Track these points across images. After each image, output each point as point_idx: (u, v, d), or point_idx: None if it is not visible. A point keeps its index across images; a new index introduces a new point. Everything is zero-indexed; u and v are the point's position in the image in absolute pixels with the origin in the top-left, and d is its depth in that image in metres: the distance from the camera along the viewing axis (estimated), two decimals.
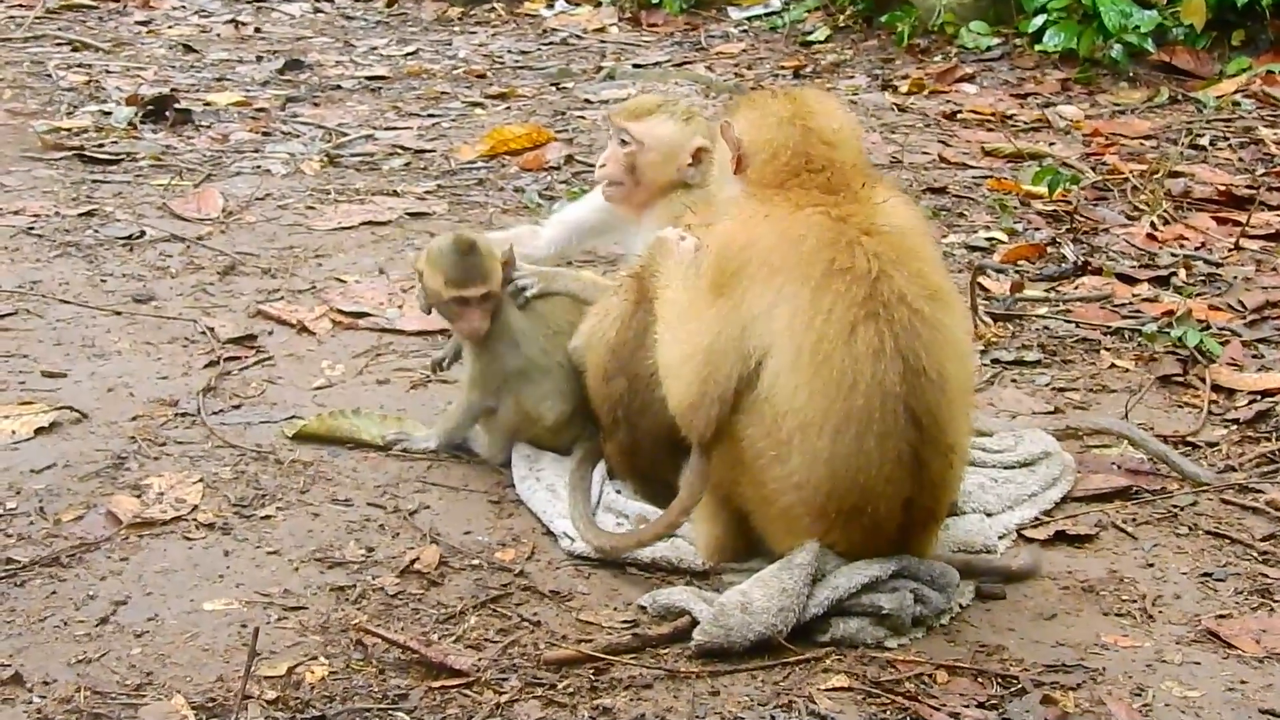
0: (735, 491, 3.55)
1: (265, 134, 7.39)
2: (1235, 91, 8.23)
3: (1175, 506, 4.01)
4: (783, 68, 9.14)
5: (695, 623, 3.36)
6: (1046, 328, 5.16)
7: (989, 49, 9.26)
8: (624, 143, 4.31)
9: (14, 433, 4.21)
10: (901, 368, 3.28)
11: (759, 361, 3.36)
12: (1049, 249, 5.92)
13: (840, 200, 3.42)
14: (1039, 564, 3.66)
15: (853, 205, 3.41)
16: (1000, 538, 3.81)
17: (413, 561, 3.67)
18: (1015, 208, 6.41)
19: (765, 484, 3.44)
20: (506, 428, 4.16)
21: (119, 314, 5.10)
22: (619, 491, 4.00)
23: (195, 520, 3.83)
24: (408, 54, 9.42)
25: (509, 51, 9.57)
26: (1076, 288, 5.54)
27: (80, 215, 6.02)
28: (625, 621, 3.46)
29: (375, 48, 9.56)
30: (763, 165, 3.52)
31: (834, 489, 3.34)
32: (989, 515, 3.87)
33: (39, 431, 4.23)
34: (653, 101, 4.41)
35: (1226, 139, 7.49)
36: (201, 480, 4.01)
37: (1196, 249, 5.96)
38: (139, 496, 3.92)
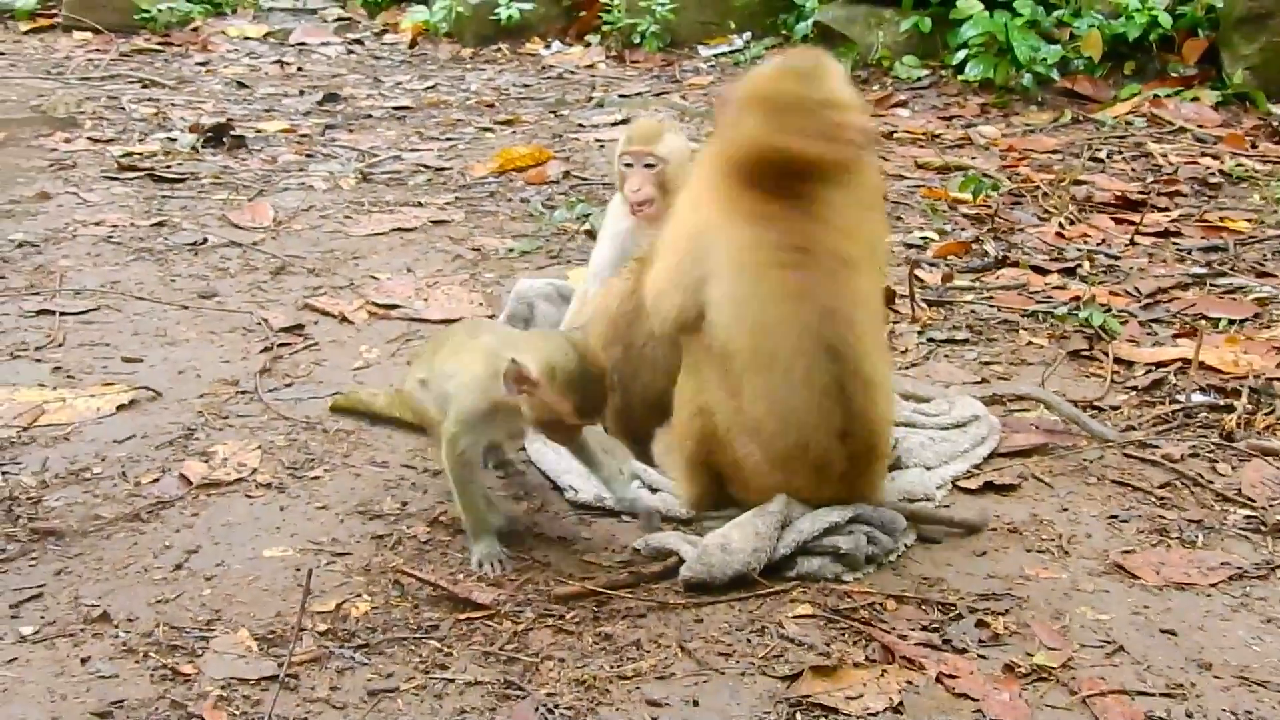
0: (710, 459, 3.55)
1: (308, 156, 7.35)
2: (1128, 113, 8.22)
3: (1085, 460, 4.00)
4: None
5: (682, 561, 3.35)
6: (973, 311, 5.15)
7: (919, 79, 9.24)
8: (649, 165, 4.17)
9: (99, 409, 4.18)
10: (820, 309, 3.25)
11: (705, 275, 3.33)
12: (974, 246, 5.90)
13: (801, 167, 3.32)
14: (987, 519, 3.63)
15: (814, 177, 3.33)
16: (938, 488, 3.80)
17: (441, 513, 3.65)
18: (944, 211, 6.38)
19: (731, 442, 3.44)
20: None
21: (186, 308, 5.06)
22: None
23: (255, 481, 3.80)
24: (428, 88, 9.37)
25: (513, 85, 9.53)
26: (998, 278, 5.52)
27: (152, 225, 5.97)
28: (622, 561, 3.45)
29: (400, 83, 9.51)
30: (741, 155, 3.41)
31: (778, 427, 3.34)
32: (928, 469, 3.85)
33: (120, 408, 4.20)
34: (654, 124, 4.32)
35: (1121, 153, 7.47)
36: (260, 447, 3.99)
37: (1098, 245, 5.94)
38: (206, 462, 3.89)
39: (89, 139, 7.47)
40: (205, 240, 5.80)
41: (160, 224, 6.00)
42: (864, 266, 3.39)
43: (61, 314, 4.93)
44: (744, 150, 3.34)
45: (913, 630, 3.16)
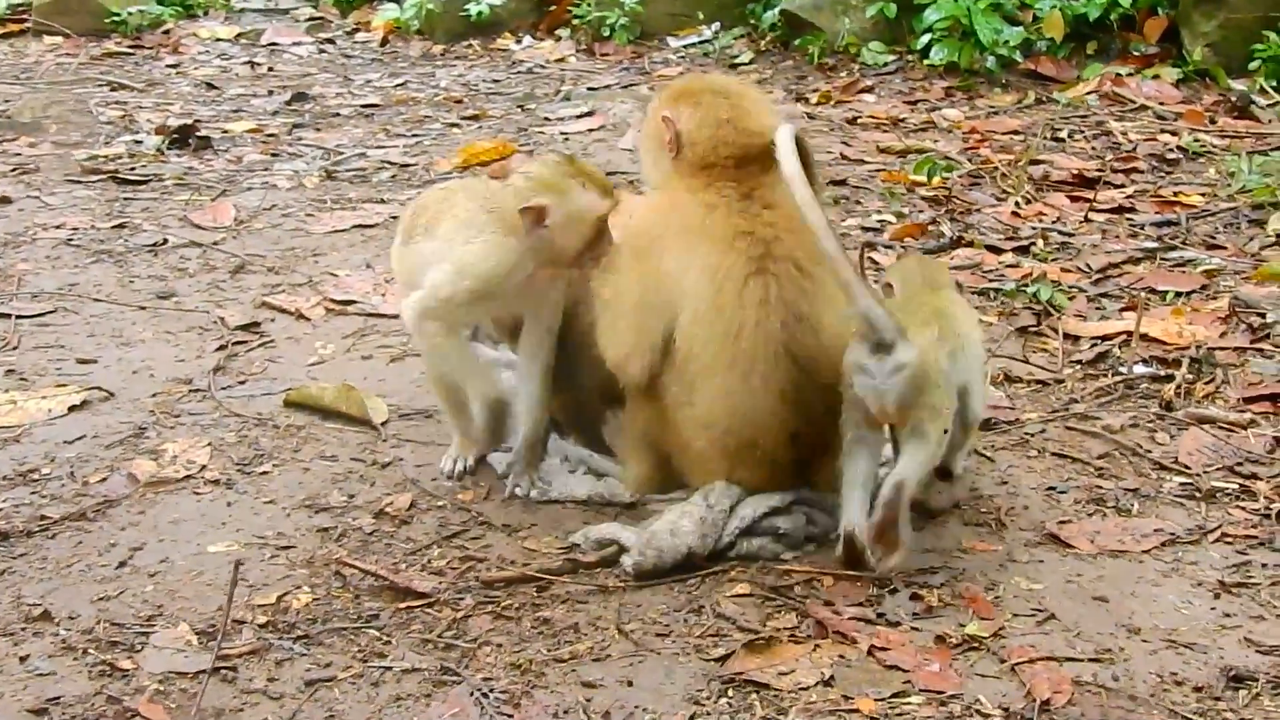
0: (658, 438, 3.56)
1: (274, 155, 7.34)
2: (1090, 92, 8.22)
3: (1027, 434, 4.03)
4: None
5: (623, 550, 3.36)
6: None
7: (885, 65, 9.23)
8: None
9: (50, 411, 4.19)
10: (784, 315, 3.29)
11: (674, 316, 3.37)
12: (930, 227, 5.91)
13: (751, 181, 3.40)
14: (956, 500, 3.65)
15: (759, 185, 3.40)
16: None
17: (387, 505, 3.67)
18: (903, 195, 6.39)
19: (681, 428, 3.46)
20: None
21: (144, 309, 5.06)
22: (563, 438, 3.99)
23: (203, 478, 3.82)
24: (397, 85, 9.35)
25: (483, 81, 9.51)
26: (953, 258, 5.53)
27: (113, 227, 5.97)
28: (563, 548, 3.47)
29: (370, 80, 9.49)
30: (698, 154, 3.48)
31: (730, 425, 3.36)
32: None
33: (71, 409, 4.21)
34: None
35: (1082, 132, 7.48)
36: (210, 444, 4.00)
37: (1053, 223, 5.95)
38: (155, 460, 3.90)
39: (54, 143, 7.46)
40: (165, 241, 5.80)
41: (121, 226, 6.00)
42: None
43: (17, 317, 4.93)
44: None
45: (848, 605, 3.19)
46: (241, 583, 3.21)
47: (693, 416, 3.40)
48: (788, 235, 3.33)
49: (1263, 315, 4.69)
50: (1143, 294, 4.97)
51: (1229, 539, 3.45)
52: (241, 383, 4.46)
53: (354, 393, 4.20)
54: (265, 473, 3.85)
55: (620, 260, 3.53)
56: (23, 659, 3.00)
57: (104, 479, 3.80)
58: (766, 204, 3.37)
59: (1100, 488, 3.70)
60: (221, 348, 4.71)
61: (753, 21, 10.23)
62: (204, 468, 3.87)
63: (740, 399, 3.32)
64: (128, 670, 2.97)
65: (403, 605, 3.20)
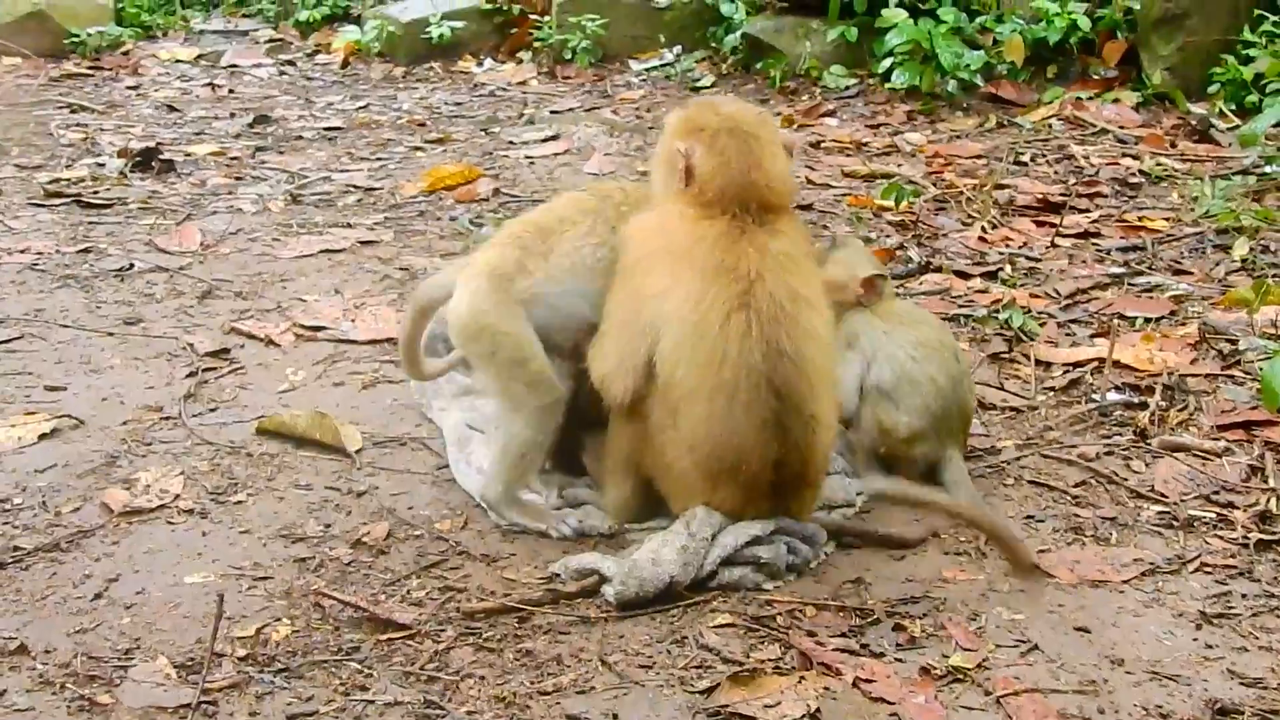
0: (641, 460, 3.56)
1: (238, 179, 7.30)
2: (1050, 116, 8.30)
3: (1004, 462, 4.03)
4: (674, 115, 9.09)
5: (604, 579, 3.35)
6: None
7: (847, 88, 9.28)
8: None
9: (20, 439, 4.13)
10: (765, 349, 3.30)
11: (655, 339, 3.38)
12: (898, 252, 5.93)
13: (748, 222, 3.41)
14: (935, 529, 3.65)
15: (755, 228, 3.41)
16: (859, 494, 3.81)
17: (364, 535, 3.63)
18: (870, 219, 6.42)
19: (664, 451, 3.45)
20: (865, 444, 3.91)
21: (111, 335, 5.01)
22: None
23: (177, 507, 3.77)
24: (359, 108, 9.33)
25: (445, 103, 9.51)
26: (921, 283, 5.56)
27: (78, 252, 5.92)
28: (543, 578, 3.44)
29: (332, 103, 9.46)
30: (708, 190, 3.47)
31: (713, 450, 3.35)
32: (848, 476, 3.87)
33: (42, 437, 4.15)
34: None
35: (1044, 156, 7.54)
36: (183, 473, 3.95)
37: (1020, 248, 5.99)
38: (128, 489, 3.85)
39: (15, 166, 7.40)
40: (131, 266, 5.75)
41: (86, 250, 5.94)
42: (816, 302, 3.44)
43: None
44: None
45: (831, 636, 3.18)
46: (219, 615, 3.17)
47: (676, 439, 3.40)
48: (770, 275, 3.35)
49: (1233, 341, 4.72)
50: (1113, 320, 5.00)
51: (1208, 569, 3.47)
52: (213, 410, 4.41)
53: (327, 420, 4.16)
54: (240, 502, 3.81)
55: (615, 280, 3.55)
56: None
57: (77, 509, 3.75)
58: (757, 245, 3.38)
59: (1078, 516, 3.72)
60: (191, 374, 4.66)
61: (714, 44, 10.27)
62: (178, 497, 3.82)
63: (723, 425, 3.33)
64: (107, 705, 2.92)
65: (383, 637, 3.17)
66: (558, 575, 3.44)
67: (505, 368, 3.60)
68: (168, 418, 4.34)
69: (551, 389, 3.60)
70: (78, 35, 10.59)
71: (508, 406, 3.65)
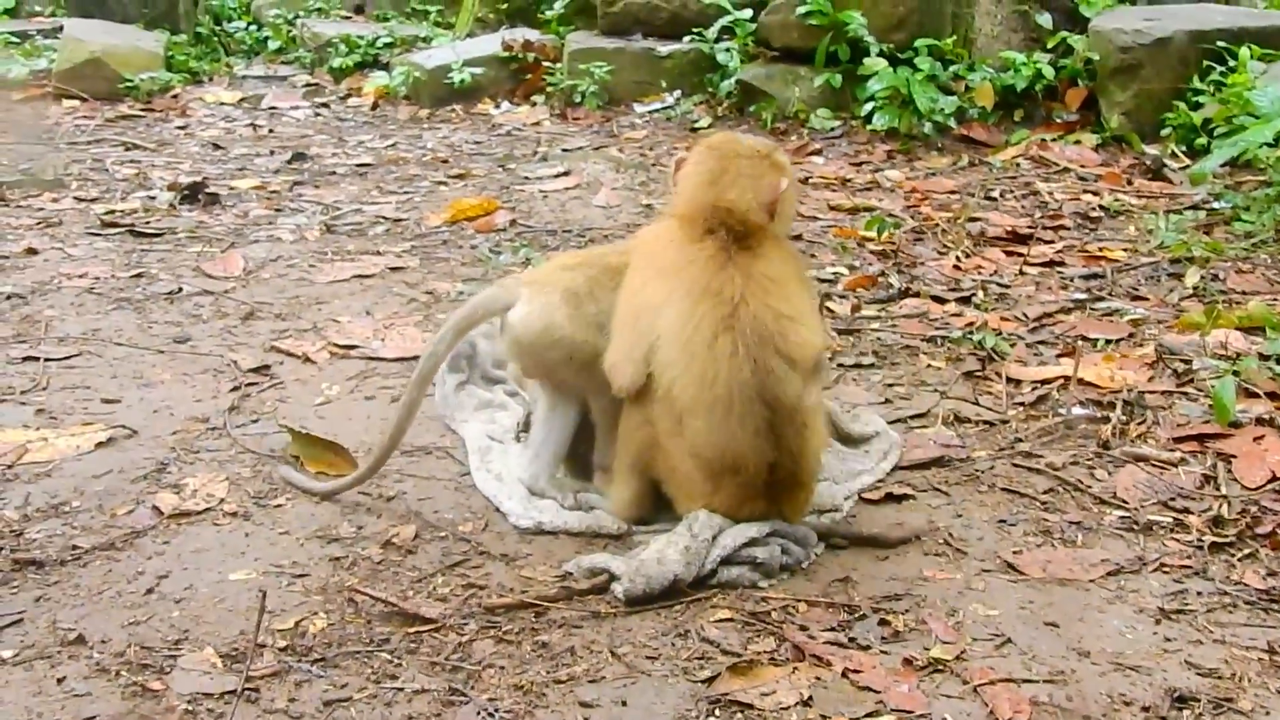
0: (650, 463, 3.54)
1: (277, 210, 7.28)
2: (1017, 156, 8.28)
3: (978, 470, 4.01)
4: (675, 147, 9.09)
5: (613, 577, 3.33)
6: (879, 338, 5.16)
7: (832, 129, 9.26)
8: None
9: (79, 447, 4.12)
10: (753, 366, 3.29)
11: (653, 345, 3.38)
12: (879, 279, 5.91)
13: (737, 245, 3.40)
14: (920, 530, 3.63)
15: (741, 252, 3.39)
16: (845, 499, 3.80)
17: (393, 536, 3.62)
18: (854, 249, 6.40)
19: (670, 453, 3.44)
20: None
21: (162, 352, 5.00)
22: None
23: (222, 510, 3.76)
24: (388, 146, 9.31)
25: (466, 142, 9.49)
26: (901, 307, 5.54)
27: (131, 277, 5.91)
28: (558, 576, 3.43)
29: (363, 142, 9.44)
30: (682, 205, 3.52)
31: (714, 455, 3.35)
32: (836, 483, 3.86)
33: (98, 445, 4.14)
34: None
35: (1012, 192, 7.52)
36: (227, 479, 3.94)
37: (991, 275, 5.97)
38: (178, 493, 3.84)
39: (75, 198, 7.38)
40: (180, 290, 5.74)
41: (139, 275, 5.93)
42: (802, 319, 3.41)
43: (46, 360, 4.86)
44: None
45: (822, 630, 3.16)
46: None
47: (681, 445, 3.40)
48: (754, 299, 3.34)
49: (1187, 361, 4.71)
50: (1077, 341, 4.99)
51: (1166, 568, 3.45)
52: (254, 421, 4.40)
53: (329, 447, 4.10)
54: (279, 506, 3.80)
55: (628, 279, 3.56)
56: (60, 680, 2.94)
57: (130, 511, 3.74)
58: (742, 269, 3.37)
59: (1047, 520, 3.70)
60: (235, 388, 4.65)
61: (711, 90, 10.26)
62: (223, 501, 3.81)
63: (722, 434, 3.32)
64: (158, 691, 2.91)
65: (411, 630, 3.16)
66: (571, 573, 3.43)
67: (576, 370, 3.64)
68: (213, 428, 4.33)
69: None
70: (131, 80, 10.57)
71: (560, 401, 3.75)
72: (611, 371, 3.52)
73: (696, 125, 9.78)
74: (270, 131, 9.84)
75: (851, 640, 3.12)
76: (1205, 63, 8.15)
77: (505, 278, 3.99)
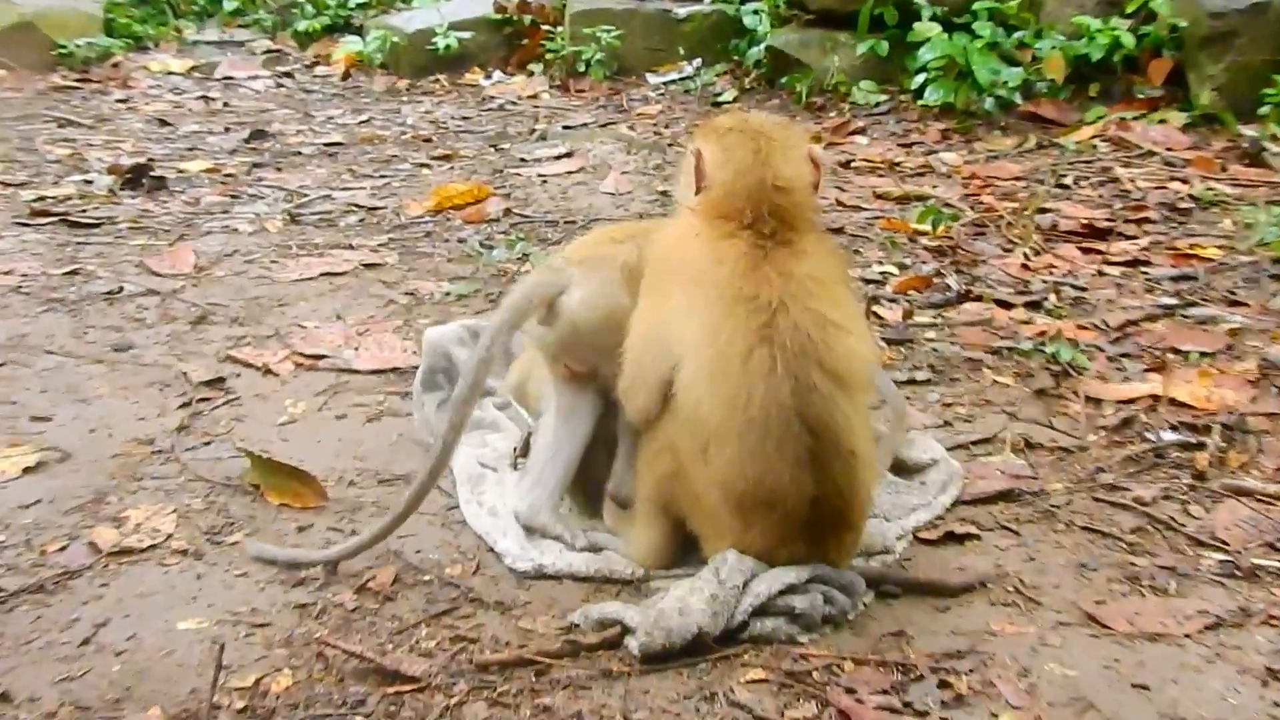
0: (673, 496, 3.50)
1: (233, 197, 7.29)
2: (1093, 137, 8.27)
3: (1053, 506, 3.98)
4: (695, 125, 9.08)
5: (627, 630, 3.30)
6: (935, 349, 5.14)
7: (878, 105, 9.28)
8: None
9: (3, 472, 4.10)
10: (794, 384, 3.23)
11: (675, 365, 3.33)
12: (935, 279, 5.90)
13: (768, 240, 3.36)
14: (986, 576, 3.60)
15: (777, 248, 3.35)
16: (898, 539, 3.77)
17: (369, 580, 3.59)
18: (904, 244, 6.39)
19: (695, 482, 3.40)
20: None
21: (100, 362, 4.99)
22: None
23: (170, 547, 3.73)
24: (361, 122, 9.34)
25: (452, 118, 9.51)
26: (960, 313, 5.52)
27: (64, 274, 5.91)
28: (561, 629, 3.39)
29: (332, 117, 9.47)
30: (717, 197, 3.45)
31: (747, 488, 3.29)
32: (887, 520, 3.83)
33: (26, 471, 4.12)
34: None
35: (1087, 178, 7.51)
36: (175, 511, 3.92)
37: (1064, 276, 5.95)
38: (118, 527, 3.82)
39: None
40: (121, 289, 5.74)
41: (73, 272, 5.93)
42: (850, 327, 3.37)
43: None
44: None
45: (871, 694, 3.12)
46: (214, 663, 3.12)
47: (707, 475, 3.36)
48: (793, 302, 3.29)
49: None
50: (1166, 354, 4.96)
51: (1274, 621, 3.41)
52: (207, 443, 4.38)
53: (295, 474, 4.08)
54: (236, 543, 3.77)
55: (641, 292, 3.52)
56: None
57: (63, 548, 3.71)
58: (780, 269, 3.32)
59: (1134, 565, 3.66)
60: (184, 405, 4.64)
61: (736, 58, 10.28)
62: (170, 536, 3.79)
63: (756, 464, 3.27)
64: None
65: (391, 690, 3.13)
66: (577, 625, 3.39)
67: None
68: (159, 451, 4.31)
69: None
70: (65, 47, 10.61)
71: (574, 412, 3.77)
72: (625, 397, 3.50)
73: (719, 98, 9.78)
74: (225, 105, 9.87)
75: (907, 705, 3.08)
76: None
77: (550, 258, 3.94)
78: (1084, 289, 5.78)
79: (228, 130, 8.97)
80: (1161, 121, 8.40)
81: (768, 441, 3.25)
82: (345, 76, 10.85)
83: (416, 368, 4.80)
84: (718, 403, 3.27)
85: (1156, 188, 7.28)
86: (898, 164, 7.96)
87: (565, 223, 6.76)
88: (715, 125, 3.59)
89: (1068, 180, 7.46)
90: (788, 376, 3.24)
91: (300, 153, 8.39)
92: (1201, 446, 4.26)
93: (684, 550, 3.58)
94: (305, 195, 7.34)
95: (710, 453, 3.31)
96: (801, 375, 3.25)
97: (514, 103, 9.97)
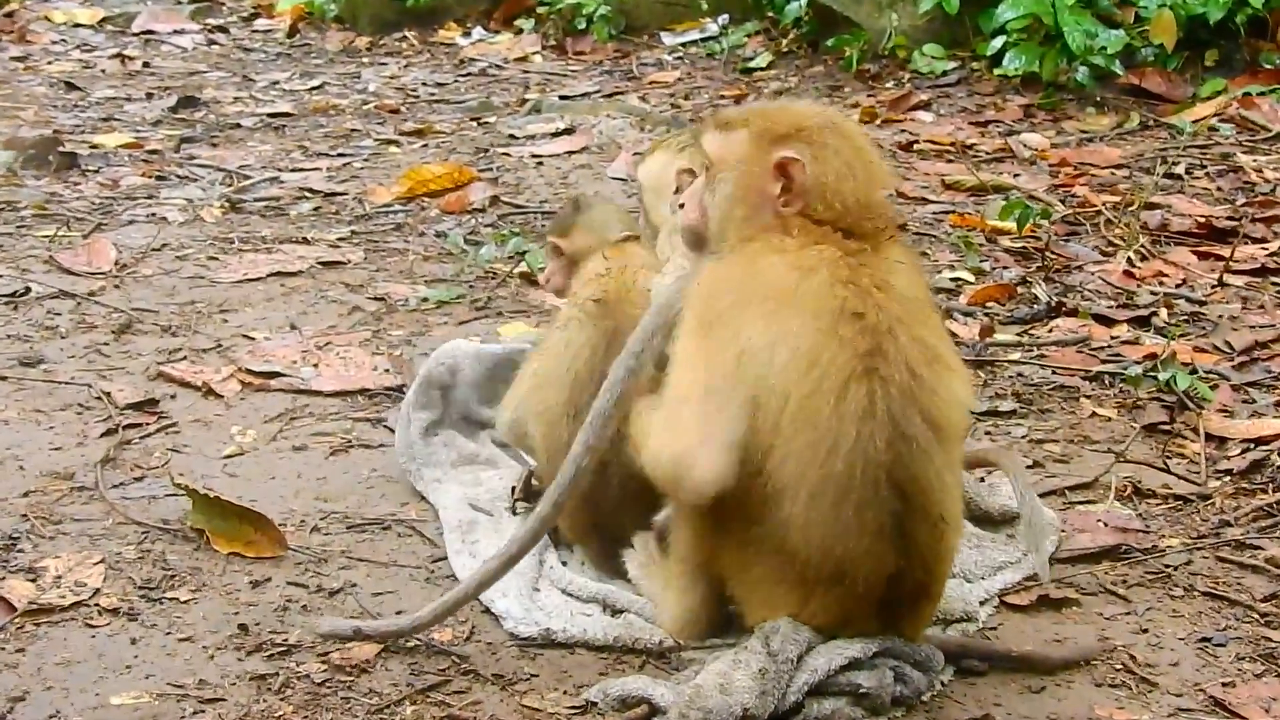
0: (715, 555, 3.50)
1: (159, 178, 7.35)
2: (1211, 115, 8.31)
3: (1168, 566, 4.03)
4: (722, 97, 9.18)
5: (656, 710, 3.34)
6: (1020, 375, 5.19)
7: (945, 74, 9.32)
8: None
9: None
10: (890, 434, 3.23)
11: (755, 406, 3.28)
12: (1019, 289, 5.95)
13: (857, 250, 3.37)
14: (1089, 651, 3.65)
15: (868, 257, 3.36)
16: (981, 603, 3.81)
17: (341, 647, 3.62)
18: (981, 245, 6.44)
19: (746, 546, 3.41)
20: None
21: (4, 379, 5.05)
22: (565, 563, 3.98)
23: (98, 605, 3.78)
24: (313, 88, 9.41)
25: (424, 84, 9.58)
26: (1051, 330, 5.57)
27: None
28: (575, 708, 3.43)
29: (277, 82, 9.54)
30: (814, 210, 3.42)
31: (811, 556, 3.29)
32: (969, 580, 3.87)
33: None
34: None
35: (1204, 167, 7.56)
36: (103, 561, 3.96)
37: (1177, 286, 6.01)
38: (34, 581, 3.86)
39: None
40: (27, 290, 5.79)
41: None
42: (951, 361, 3.41)
43: None
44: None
45: None
46: None
47: (761, 535, 3.36)
48: (902, 327, 3.29)
49: None
50: None
51: None
52: (138, 479, 4.43)
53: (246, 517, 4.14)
54: (178, 599, 3.82)
55: (683, 337, 3.44)
56: None
57: None
58: (878, 282, 3.33)
59: (1269, 640, 3.71)
60: (109, 432, 4.69)
61: (771, 15, 10.31)
62: (98, 592, 3.83)
63: (828, 530, 3.27)
64: None
65: None
66: (594, 704, 3.43)
67: None
68: (81, 488, 4.35)
69: None
70: None
71: None
72: (678, 464, 3.37)
73: (750, 64, 9.84)
74: (146, 66, 9.94)
75: None
76: None
77: (670, 253, 3.98)
78: (1202, 302, 5.84)
79: (150, 97, 9.04)
80: None
81: (845, 505, 3.24)
82: (292, 33, 10.92)
83: (389, 389, 4.86)
84: (794, 448, 3.25)
85: None
86: (970, 147, 8.02)
87: None
88: (784, 125, 3.54)
89: (1179, 169, 7.51)
90: (886, 423, 3.23)
91: (239, 125, 8.46)
92: None
93: (725, 620, 3.61)
94: (247, 177, 7.40)
95: (770, 506, 3.32)
96: (901, 422, 3.24)
97: (499, 66, 10.04)
